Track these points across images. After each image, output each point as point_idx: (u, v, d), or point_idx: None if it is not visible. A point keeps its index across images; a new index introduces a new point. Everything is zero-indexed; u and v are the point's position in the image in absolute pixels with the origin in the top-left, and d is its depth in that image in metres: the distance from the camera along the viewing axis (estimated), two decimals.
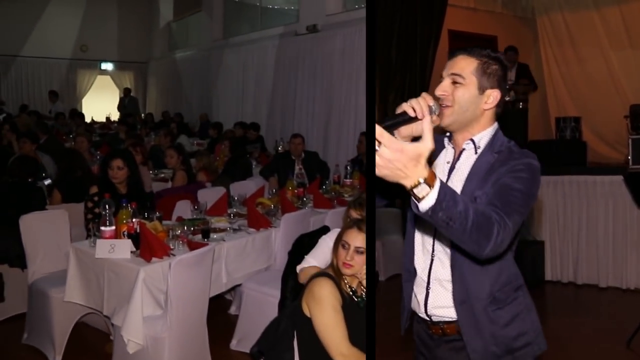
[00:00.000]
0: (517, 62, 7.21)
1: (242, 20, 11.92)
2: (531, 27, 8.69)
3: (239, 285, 3.93)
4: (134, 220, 3.41)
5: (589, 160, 6.29)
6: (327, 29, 8.10)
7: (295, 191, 5.01)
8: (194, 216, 4.21)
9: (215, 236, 3.78)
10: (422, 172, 1.30)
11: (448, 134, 1.81)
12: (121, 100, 14.31)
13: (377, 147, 1.27)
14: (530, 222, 5.80)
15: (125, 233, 3.39)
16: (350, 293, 2.29)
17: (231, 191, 5.39)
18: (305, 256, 2.98)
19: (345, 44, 7.68)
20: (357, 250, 2.24)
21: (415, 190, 1.32)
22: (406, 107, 1.63)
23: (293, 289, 3.15)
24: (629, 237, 5.39)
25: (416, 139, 1.51)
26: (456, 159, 1.78)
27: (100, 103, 15.32)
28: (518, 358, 1.76)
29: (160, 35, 16.10)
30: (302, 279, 2.88)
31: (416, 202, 1.35)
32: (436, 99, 1.70)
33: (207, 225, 3.93)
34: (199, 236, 3.73)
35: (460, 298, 1.73)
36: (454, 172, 1.76)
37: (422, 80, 6.73)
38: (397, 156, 1.26)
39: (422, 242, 1.83)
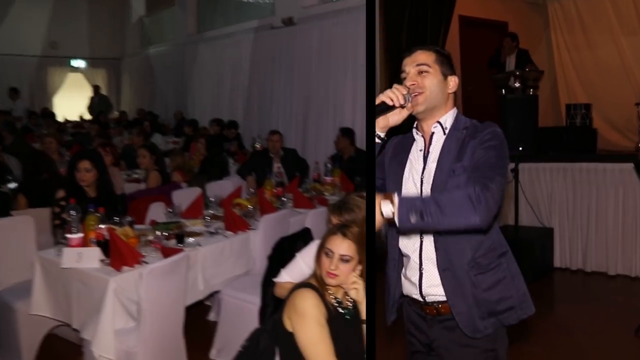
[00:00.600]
0: (517, 49, 7.13)
1: (217, 14, 11.63)
2: (542, 12, 8.61)
3: (218, 291, 3.76)
4: (102, 226, 3.20)
5: (599, 148, 6.27)
6: (304, 22, 7.91)
7: (274, 190, 4.84)
8: (168, 219, 4.02)
9: (190, 241, 3.59)
10: (380, 202, 1.59)
11: (415, 125, 1.96)
12: (91, 99, 13.85)
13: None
14: (539, 209, 5.80)
15: (94, 240, 3.19)
16: (336, 305, 2.13)
17: (207, 191, 5.20)
18: (281, 269, 2.80)
19: (323, 37, 7.49)
20: (342, 259, 2.07)
21: (384, 214, 1.59)
22: (383, 97, 1.77)
23: (274, 296, 2.98)
24: (638, 225, 5.37)
25: (394, 133, 1.82)
26: (428, 144, 1.91)
27: (73, 102, 14.79)
28: (502, 320, 1.86)
29: (133, 31, 15.69)
30: (278, 293, 2.71)
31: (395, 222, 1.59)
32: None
33: (181, 229, 3.74)
34: (173, 241, 3.54)
35: (443, 266, 1.83)
36: (429, 156, 1.89)
37: None
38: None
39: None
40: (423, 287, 1.89)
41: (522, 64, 6.83)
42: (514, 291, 1.87)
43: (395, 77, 6.38)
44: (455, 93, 1.93)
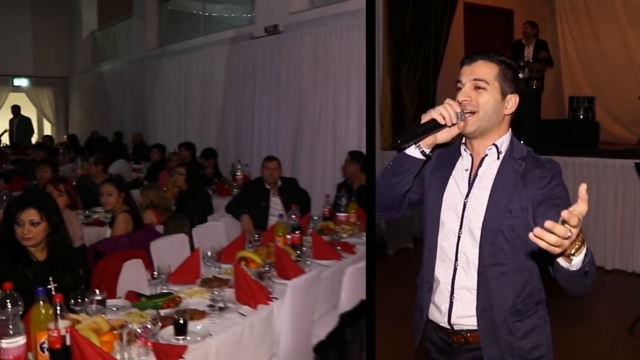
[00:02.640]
0: (536, 38, 6.99)
1: (182, 26, 10.38)
2: (548, 1, 8.55)
3: None
4: (59, 323, 1.96)
5: (601, 140, 6.26)
6: (292, 30, 6.78)
7: (289, 237, 3.65)
8: (153, 290, 2.79)
9: (197, 329, 2.37)
10: (580, 235, 1.34)
11: (464, 140, 1.80)
12: (10, 121, 12.15)
13: (568, 234, 1.25)
14: None
15: (46, 347, 1.94)
16: None
17: (194, 239, 3.99)
18: None
19: (317, 45, 6.37)
20: None
21: (578, 251, 1.37)
22: (434, 114, 1.64)
23: None
24: (636, 221, 5.36)
25: (438, 146, 1.70)
26: (477, 166, 1.77)
27: None
28: None
29: (83, 47, 14.25)
30: None
31: (565, 261, 1.39)
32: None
33: (178, 306, 2.53)
34: (170, 331, 2.31)
35: (482, 306, 1.74)
36: (477, 180, 1.75)
37: (436, 52, 6.59)
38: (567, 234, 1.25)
39: (444, 252, 1.79)
40: (452, 317, 1.79)
41: (536, 55, 6.74)
42: (544, 339, 1.81)
43: (397, 63, 6.45)
44: (514, 115, 1.77)
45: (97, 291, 2.46)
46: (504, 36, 7.99)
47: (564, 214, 1.24)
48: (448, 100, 1.67)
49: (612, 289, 5.01)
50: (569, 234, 1.25)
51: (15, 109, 12.27)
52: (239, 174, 6.67)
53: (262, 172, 4.92)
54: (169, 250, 3.59)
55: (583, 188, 1.28)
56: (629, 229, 5.37)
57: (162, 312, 2.52)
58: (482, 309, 1.74)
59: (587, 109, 6.27)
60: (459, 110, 1.66)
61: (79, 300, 2.40)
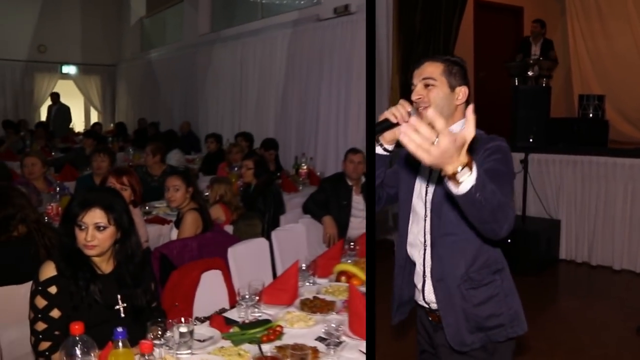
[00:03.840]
0: (543, 37, 7.05)
1: (237, 9, 9.78)
2: None
3: None
4: None
5: (611, 139, 6.21)
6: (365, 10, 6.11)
7: None
8: (243, 314, 2.20)
9: None
10: (464, 158, 1.40)
11: None
12: (48, 109, 11.75)
13: (433, 138, 1.31)
14: (547, 201, 5.78)
15: None
16: None
17: (274, 244, 3.39)
18: None
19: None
20: None
21: (457, 175, 1.42)
22: (387, 114, 1.83)
23: None
24: None
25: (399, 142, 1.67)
26: None
27: None
28: (491, 336, 1.84)
29: (131, 34, 13.84)
30: None
31: (454, 185, 1.45)
32: (411, 103, 1.84)
33: (280, 339, 1.93)
34: None
35: (437, 276, 1.83)
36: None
37: (446, 49, 6.58)
38: (450, 145, 1.33)
39: (415, 235, 1.90)
40: (425, 295, 1.90)
41: (545, 53, 6.74)
42: (505, 309, 1.84)
43: (407, 60, 6.46)
44: (467, 102, 1.86)
45: (183, 320, 1.86)
46: (514, 33, 7.91)
47: (429, 113, 1.31)
48: (400, 101, 1.83)
49: (620, 289, 4.96)
50: (435, 138, 1.30)
51: (55, 96, 11.81)
52: (303, 167, 6.07)
53: (344, 167, 4.29)
54: (249, 257, 3.00)
55: (470, 109, 1.42)
56: (637, 229, 5.28)
57: (265, 347, 1.92)
58: (438, 279, 1.84)
59: (597, 107, 6.18)
60: (409, 109, 1.81)
61: (159, 332, 1.81)
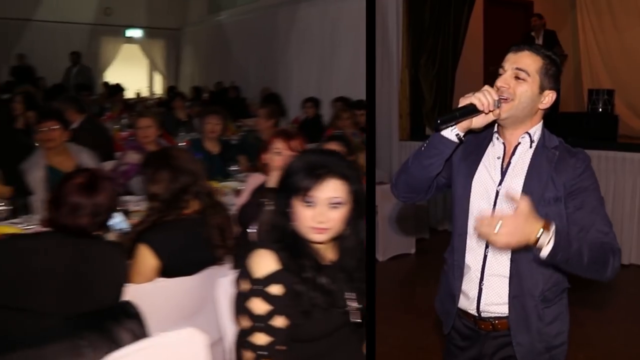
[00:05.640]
0: (544, 28, 7.07)
1: None
2: None
3: None
4: None
5: (620, 134, 6.17)
6: None
7: None
8: None
9: None
10: (538, 224, 1.46)
11: (496, 128, 1.81)
12: (67, 71, 10.86)
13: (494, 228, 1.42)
14: None
15: None
16: None
17: None
18: None
19: None
20: None
21: (539, 242, 1.47)
22: (473, 99, 1.67)
23: None
24: None
25: (471, 131, 1.72)
26: (510, 154, 1.78)
27: (126, 77, 12.17)
28: (554, 357, 1.81)
29: None
30: None
31: (536, 250, 1.49)
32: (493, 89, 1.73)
33: None
34: None
35: (514, 292, 1.75)
36: (510, 168, 1.77)
37: (455, 44, 6.65)
38: (517, 224, 1.43)
39: (475, 238, 1.78)
40: (481, 305, 1.80)
41: (549, 46, 6.24)
42: (566, 325, 1.85)
43: (416, 54, 6.46)
44: (548, 109, 1.78)
45: None
46: (524, 28, 7.68)
47: (506, 193, 1.61)
48: (486, 87, 1.69)
49: (628, 284, 4.92)
50: (496, 230, 1.41)
51: (75, 57, 11.05)
52: None
53: None
54: None
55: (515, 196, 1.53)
56: None
57: None
58: (514, 295, 1.76)
59: (607, 102, 6.17)
60: (496, 98, 1.68)
61: None
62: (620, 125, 6.15)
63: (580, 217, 1.68)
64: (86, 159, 3.60)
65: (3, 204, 3.10)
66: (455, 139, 1.70)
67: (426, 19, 6.44)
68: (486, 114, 1.67)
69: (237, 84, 10.42)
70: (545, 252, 1.48)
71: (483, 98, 1.64)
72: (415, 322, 3.64)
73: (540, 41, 6.99)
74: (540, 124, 1.79)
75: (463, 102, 1.68)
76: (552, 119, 5.44)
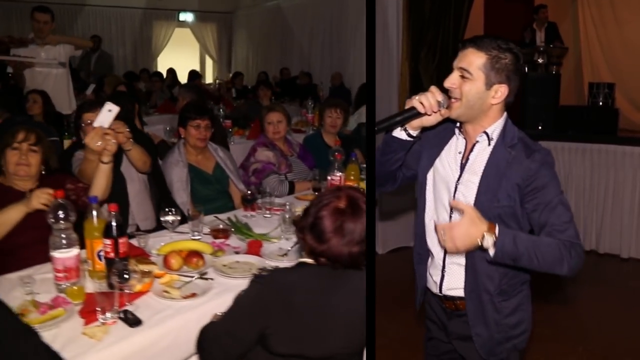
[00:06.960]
0: (547, 22, 7.08)
1: None
2: None
3: None
4: None
5: (621, 127, 6.11)
6: None
7: None
8: None
9: None
10: (483, 227, 1.55)
11: (458, 123, 1.82)
12: (86, 55, 9.11)
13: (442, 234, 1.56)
14: None
15: None
16: None
17: None
18: None
19: None
20: None
21: (483, 244, 1.55)
22: (415, 102, 1.70)
23: None
24: None
25: (426, 129, 1.77)
26: (469, 151, 1.79)
27: (178, 61, 12.14)
28: (517, 345, 1.86)
29: None
30: None
31: (484, 251, 1.58)
32: (445, 90, 1.72)
33: None
34: None
35: (470, 287, 1.80)
36: (468, 165, 1.79)
37: (455, 37, 6.58)
38: (461, 230, 1.53)
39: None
40: (443, 288, 1.88)
41: (550, 38, 6.82)
42: (527, 314, 1.87)
43: (416, 48, 6.39)
44: (505, 100, 1.73)
45: None
46: (524, 21, 7.58)
47: (452, 203, 1.68)
48: (431, 89, 1.71)
49: (627, 278, 4.96)
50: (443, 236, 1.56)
51: (96, 40, 9.51)
52: None
53: None
54: None
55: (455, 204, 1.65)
56: None
57: None
58: (470, 290, 1.80)
59: (607, 95, 6.11)
60: (440, 99, 1.69)
61: None
62: (620, 119, 6.15)
63: (537, 217, 1.69)
64: (223, 157, 3.42)
65: (173, 211, 2.65)
66: (406, 138, 1.78)
67: (426, 11, 6.43)
68: (429, 115, 1.70)
69: (306, 71, 10.07)
70: (491, 253, 1.56)
71: (425, 101, 1.68)
72: (414, 315, 3.59)
73: (542, 34, 7.03)
74: (501, 120, 1.76)
75: (408, 104, 1.72)
76: (551, 111, 5.50)
